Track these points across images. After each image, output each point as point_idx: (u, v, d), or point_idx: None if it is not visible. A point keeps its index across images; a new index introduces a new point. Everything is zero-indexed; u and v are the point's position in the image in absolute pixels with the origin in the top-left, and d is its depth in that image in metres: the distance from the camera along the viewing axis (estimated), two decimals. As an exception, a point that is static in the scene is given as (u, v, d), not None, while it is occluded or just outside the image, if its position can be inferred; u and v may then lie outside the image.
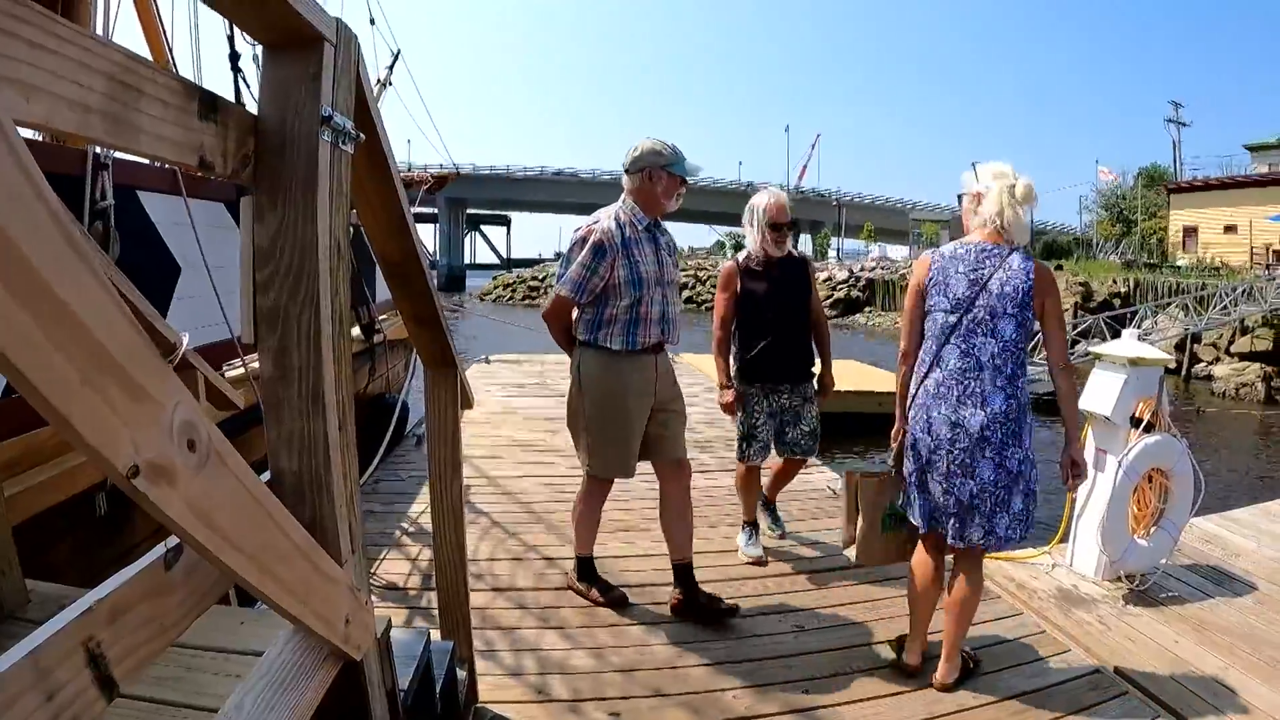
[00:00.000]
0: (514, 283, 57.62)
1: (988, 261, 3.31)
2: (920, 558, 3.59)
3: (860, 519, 3.70)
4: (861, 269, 51.63)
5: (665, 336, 4.02)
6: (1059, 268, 42.15)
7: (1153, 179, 58.30)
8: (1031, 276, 3.26)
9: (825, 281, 49.17)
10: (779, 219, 4.81)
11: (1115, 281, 35.23)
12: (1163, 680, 3.75)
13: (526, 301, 53.31)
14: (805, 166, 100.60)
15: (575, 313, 4.00)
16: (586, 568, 4.23)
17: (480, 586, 4.15)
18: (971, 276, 3.32)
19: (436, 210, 77.93)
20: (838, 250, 77.56)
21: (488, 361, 12.73)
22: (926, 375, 3.43)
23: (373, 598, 1.78)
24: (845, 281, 49.02)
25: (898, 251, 74.32)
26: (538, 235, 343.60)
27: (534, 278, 57.25)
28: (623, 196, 4.01)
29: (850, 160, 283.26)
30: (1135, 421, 4.75)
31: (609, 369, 3.91)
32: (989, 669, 3.63)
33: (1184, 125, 60.47)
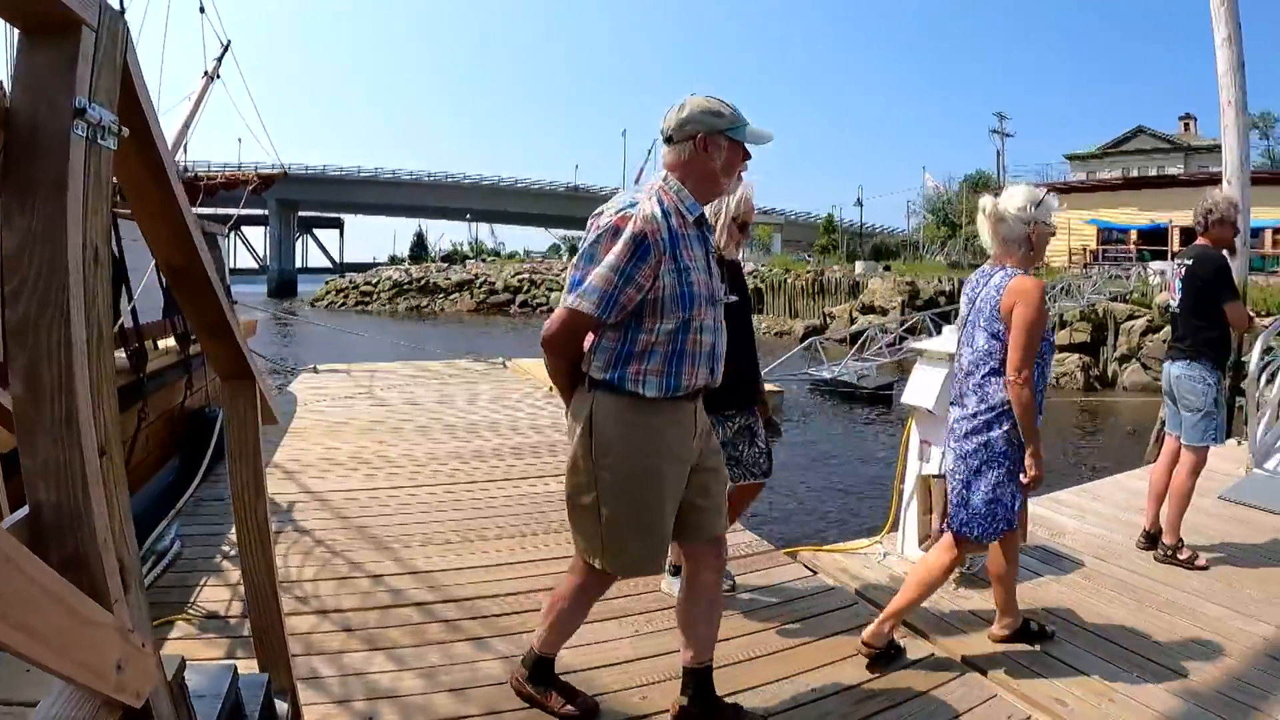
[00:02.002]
0: (346, 288, 55.90)
1: (980, 281, 3.74)
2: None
3: (935, 514, 4.32)
4: (696, 270, 52.71)
5: (713, 379, 2.99)
6: (887, 268, 43.84)
7: (977, 185, 61.57)
8: (1001, 291, 3.55)
9: (660, 283, 50.07)
10: (750, 218, 4.22)
11: (941, 281, 37.35)
12: (997, 658, 3.86)
13: (359, 307, 52.00)
14: (642, 171, 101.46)
15: (589, 338, 2.86)
16: (545, 669, 3.23)
17: (305, 610, 3.93)
18: (970, 294, 3.79)
19: (267, 212, 75.75)
20: (674, 253, 78.72)
21: (316, 371, 12.30)
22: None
23: (190, 629, 1.63)
24: (678, 283, 49.85)
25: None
26: (371, 238, 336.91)
27: (367, 282, 55.71)
28: (662, 174, 2.91)
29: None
30: None
31: (639, 425, 2.83)
32: (827, 661, 3.64)
33: (1008, 136, 64.88)
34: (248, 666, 2.40)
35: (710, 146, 2.83)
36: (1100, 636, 4.14)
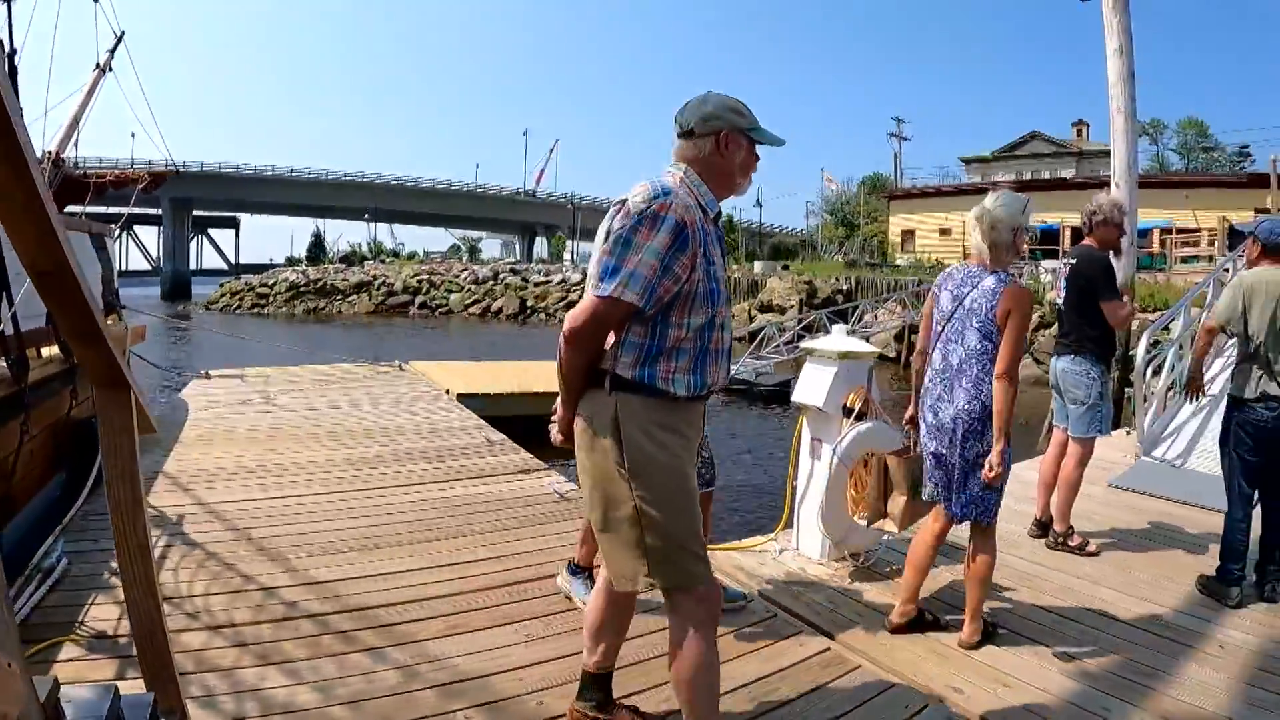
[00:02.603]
0: (242, 290, 53.91)
1: (969, 282, 4.04)
2: (926, 525, 4.27)
3: (896, 492, 4.41)
4: (596, 270, 52.73)
5: (727, 378, 2.93)
6: (785, 268, 44.42)
7: (875, 186, 63.07)
8: (998, 295, 3.89)
9: (560, 284, 49.90)
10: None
11: (838, 279, 38.32)
12: (892, 648, 3.95)
13: (255, 310, 50.42)
14: (543, 170, 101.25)
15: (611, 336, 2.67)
16: (601, 684, 3.12)
17: (196, 626, 3.78)
18: (955, 293, 4.08)
19: (160, 212, 73.36)
20: (572, 253, 78.33)
21: (208, 377, 11.85)
22: (927, 371, 4.20)
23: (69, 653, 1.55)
24: (580, 284, 49.52)
25: (633, 252, 76.16)
26: (268, 239, 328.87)
27: (263, 284, 53.93)
28: (681, 168, 2.77)
29: (588, 164, 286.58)
30: (847, 411, 4.92)
31: (668, 426, 2.67)
32: (725, 659, 3.55)
33: (905, 139, 66.45)
34: (137, 687, 2.31)
35: (731, 144, 2.76)
36: (995, 624, 4.23)
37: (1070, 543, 5.54)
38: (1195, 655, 4.14)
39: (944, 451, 4.01)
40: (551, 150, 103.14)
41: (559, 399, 2.81)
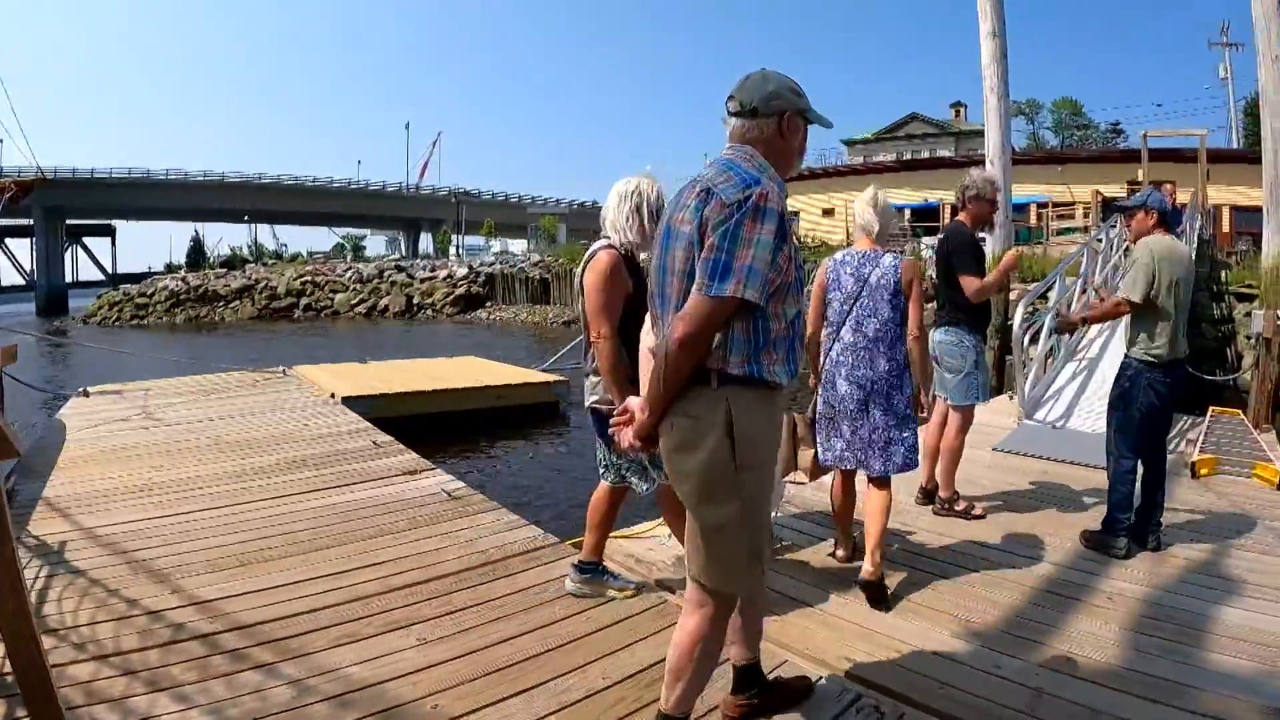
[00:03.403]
0: (121, 301, 51.16)
1: (868, 263, 4.61)
2: (838, 486, 4.87)
3: (803, 447, 4.85)
4: (481, 264, 52.12)
5: None
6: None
7: (759, 170, 63.55)
8: (899, 269, 4.57)
9: (446, 279, 49.33)
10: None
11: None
12: (788, 624, 4.03)
13: (135, 321, 47.99)
14: (426, 164, 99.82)
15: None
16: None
17: (83, 657, 3.62)
18: (857, 274, 4.61)
19: (32, 222, 70.10)
20: (458, 247, 77.48)
21: (87, 395, 11.41)
22: (831, 348, 4.64)
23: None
24: (465, 278, 49.20)
25: (518, 245, 75.62)
26: (146, 246, 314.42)
27: (142, 294, 51.17)
28: (747, 150, 2.66)
29: (471, 157, 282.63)
30: None
31: (770, 416, 2.67)
32: (616, 646, 3.67)
33: None
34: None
35: (792, 125, 2.70)
36: (886, 589, 4.35)
37: (956, 508, 5.75)
38: (1084, 608, 4.31)
39: (866, 413, 4.53)
40: (434, 143, 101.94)
41: (641, 403, 2.68)
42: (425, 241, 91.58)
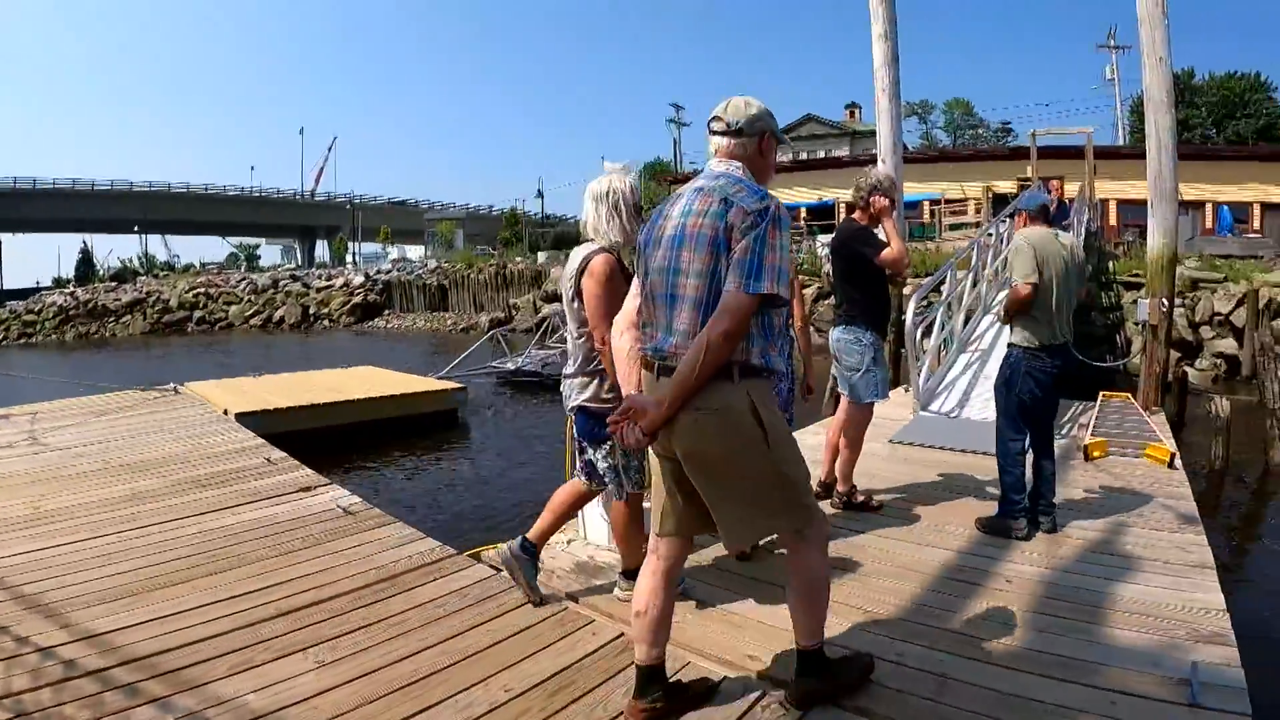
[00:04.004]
0: (7, 319, 48.06)
1: None
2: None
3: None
4: (378, 272, 51.33)
5: None
6: (569, 256, 44.52)
7: (656, 172, 63.90)
8: None
9: (343, 288, 48.47)
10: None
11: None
12: (688, 625, 4.01)
13: (23, 340, 45.20)
14: (321, 170, 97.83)
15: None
16: (823, 662, 3.32)
17: None
18: None
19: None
20: (354, 255, 76.17)
21: (-35, 420, 10.95)
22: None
23: None
24: (362, 286, 48.41)
25: (415, 252, 74.72)
26: (32, 260, 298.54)
27: (29, 310, 48.32)
28: (728, 166, 3.01)
29: (367, 162, 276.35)
30: None
31: (774, 397, 3.05)
32: (518, 657, 3.65)
33: (685, 125, 68.08)
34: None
35: (769, 145, 3.12)
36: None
37: (855, 500, 5.83)
38: (985, 592, 4.40)
39: None
40: (330, 148, 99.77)
41: (656, 398, 2.86)
42: (321, 249, 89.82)
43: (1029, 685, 3.44)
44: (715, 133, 3.07)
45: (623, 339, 3.20)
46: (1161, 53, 10.64)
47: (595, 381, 4.07)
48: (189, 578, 4.72)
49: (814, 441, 6.70)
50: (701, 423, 2.79)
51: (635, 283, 3.21)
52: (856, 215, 5.81)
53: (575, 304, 4.07)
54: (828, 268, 29.37)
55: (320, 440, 10.29)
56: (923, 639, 3.86)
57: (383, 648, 3.77)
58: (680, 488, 3.06)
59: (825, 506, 5.79)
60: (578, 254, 4.11)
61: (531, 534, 4.33)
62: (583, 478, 4.28)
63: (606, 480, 4.17)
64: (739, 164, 3.01)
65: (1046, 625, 4.00)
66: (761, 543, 4.78)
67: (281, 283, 51.22)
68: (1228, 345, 21.84)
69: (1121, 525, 5.43)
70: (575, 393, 4.15)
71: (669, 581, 3.18)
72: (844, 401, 6.00)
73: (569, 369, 4.20)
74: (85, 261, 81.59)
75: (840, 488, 5.91)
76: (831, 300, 5.79)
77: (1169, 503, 5.95)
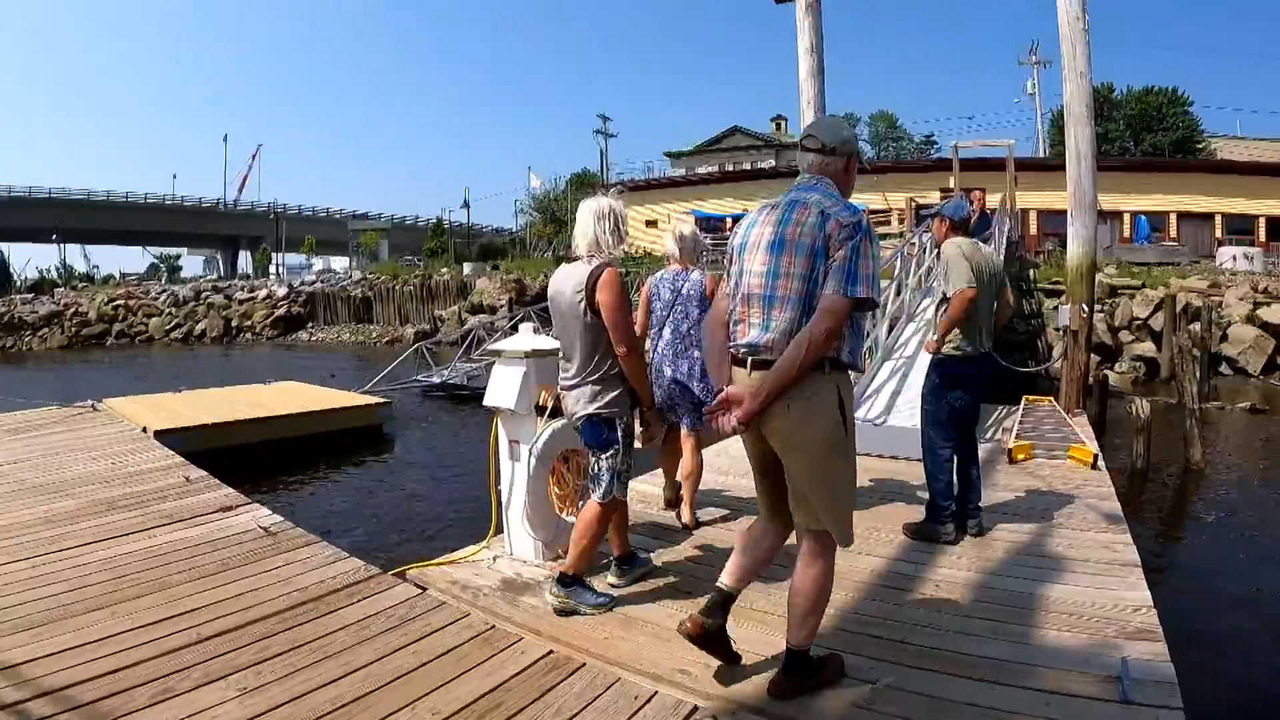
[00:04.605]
0: None
1: (681, 278, 5.73)
2: (670, 444, 6.03)
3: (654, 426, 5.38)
4: (302, 284, 50.42)
5: None
6: (495, 267, 44.47)
7: (583, 183, 63.83)
8: (704, 283, 5.69)
9: (266, 299, 47.57)
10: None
11: (547, 276, 38.34)
12: (614, 640, 3.99)
13: None
14: (245, 178, 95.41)
15: None
16: (806, 662, 3.49)
17: None
18: (674, 287, 5.72)
19: None
20: (278, 266, 74.75)
21: None
22: (656, 346, 5.69)
23: None
24: (286, 298, 47.51)
25: (340, 263, 73.66)
26: None
27: None
28: (823, 182, 3.31)
29: (292, 171, 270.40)
30: (540, 409, 4.92)
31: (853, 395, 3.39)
32: (445, 679, 3.57)
33: (611, 136, 68.29)
34: None
35: (853, 165, 3.39)
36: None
37: None
38: (915, 597, 4.46)
39: (689, 390, 5.57)
40: (254, 156, 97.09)
41: (754, 389, 3.12)
42: (244, 260, 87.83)
43: (962, 689, 3.48)
44: (809, 150, 3.36)
45: (713, 335, 3.46)
46: (1082, 67, 10.98)
47: (605, 389, 4.29)
48: (107, 604, 4.54)
49: (736, 449, 6.72)
50: (793, 410, 3.10)
51: (725, 284, 3.50)
52: None
53: (587, 317, 4.21)
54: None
55: (242, 458, 10.05)
56: (854, 647, 3.87)
57: (307, 673, 3.66)
58: (765, 476, 3.45)
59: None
60: (578, 269, 4.28)
61: (568, 567, 4.42)
62: (597, 491, 4.42)
63: (603, 482, 4.36)
64: (829, 180, 3.31)
65: (977, 628, 4.06)
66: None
67: (203, 294, 50.03)
68: (1146, 348, 22.64)
69: (1048, 526, 5.56)
70: (584, 402, 4.32)
71: (770, 556, 3.64)
72: None
73: (571, 379, 4.37)
74: (1, 272, 78.88)
75: None
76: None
77: (1093, 503, 6.11)
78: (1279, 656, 5.63)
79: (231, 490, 6.96)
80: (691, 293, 5.63)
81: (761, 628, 4.10)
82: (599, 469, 4.38)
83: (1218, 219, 40.27)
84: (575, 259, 4.38)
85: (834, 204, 3.16)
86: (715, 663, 3.68)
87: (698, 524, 5.76)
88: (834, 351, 3.11)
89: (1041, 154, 51.07)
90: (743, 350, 3.26)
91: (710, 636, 3.51)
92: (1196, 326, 20.75)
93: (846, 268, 3.04)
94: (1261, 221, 39.68)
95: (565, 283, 4.33)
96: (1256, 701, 4.99)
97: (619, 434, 4.35)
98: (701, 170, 59.82)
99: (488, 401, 5.09)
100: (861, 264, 3.05)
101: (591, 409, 4.30)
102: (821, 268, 3.09)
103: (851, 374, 3.30)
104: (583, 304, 4.20)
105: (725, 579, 3.57)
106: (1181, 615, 5.47)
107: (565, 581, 4.37)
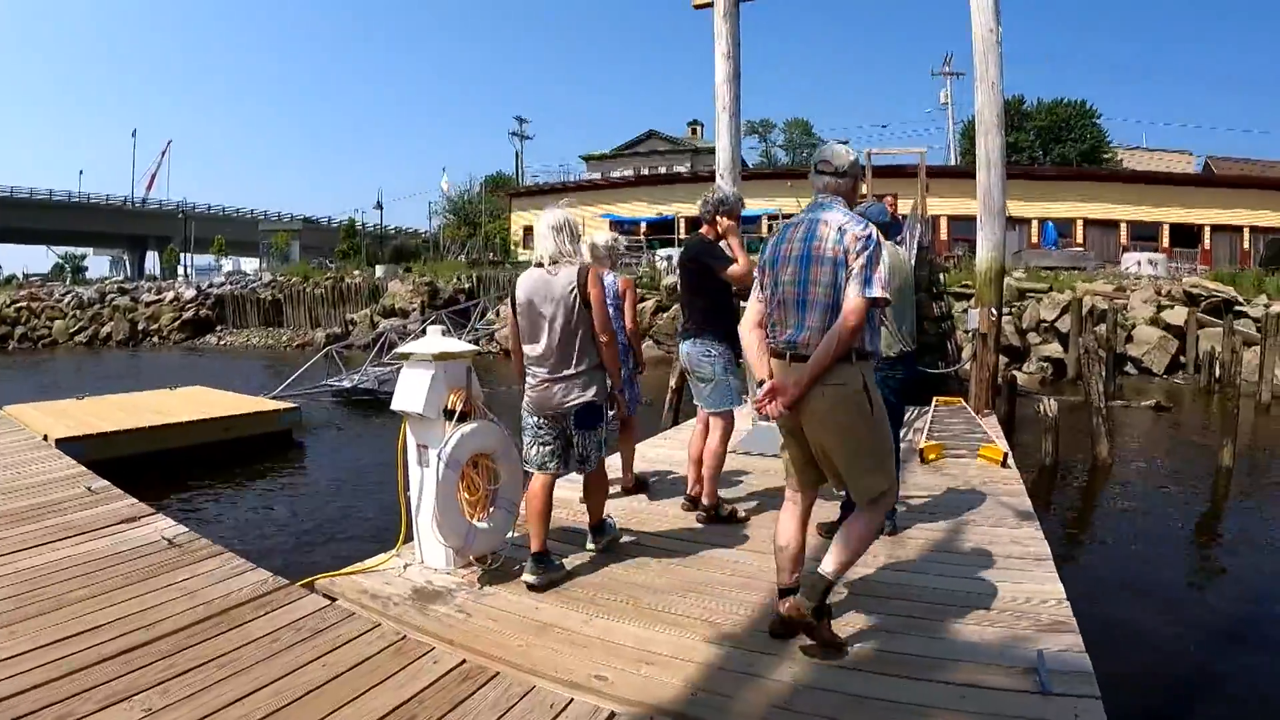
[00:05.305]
0: None
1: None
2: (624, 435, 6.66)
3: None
4: (210, 285, 49.07)
5: None
6: (408, 270, 43.92)
7: (497, 185, 63.32)
8: (617, 285, 6.29)
9: (174, 302, 46.23)
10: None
11: (460, 279, 38.29)
12: (528, 647, 3.91)
13: None
14: (154, 176, 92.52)
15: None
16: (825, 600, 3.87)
17: None
18: (609, 285, 6.07)
19: None
20: (187, 267, 72.76)
21: None
22: None
23: None
24: (194, 300, 46.24)
25: (250, 264, 72.03)
26: None
27: None
28: (838, 200, 3.87)
29: (202, 169, 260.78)
30: (449, 413, 4.85)
31: (874, 376, 3.83)
32: (356, 692, 3.47)
33: (527, 138, 68.13)
34: None
35: (858, 184, 3.96)
36: (637, 604, 4.36)
37: (722, 514, 5.84)
38: (832, 596, 4.41)
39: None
40: (163, 153, 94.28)
41: (797, 378, 3.65)
42: (152, 261, 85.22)
43: (881, 686, 3.50)
44: (823, 173, 3.88)
45: (751, 336, 3.98)
46: (994, 78, 11.24)
47: (593, 379, 4.81)
48: (5, 623, 4.27)
49: (653, 455, 6.99)
50: (827, 394, 3.63)
51: (757, 291, 4.00)
52: (704, 230, 5.91)
53: (577, 312, 4.71)
54: (669, 280, 30.04)
55: (147, 467, 9.79)
56: (771, 647, 3.87)
57: (215, 690, 3.51)
58: (801, 452, 3.92)
59: (690, 520, 5.89)
60: (563, 271, 4.76)
61: (592, 520, 5.34)
62: (590, 467, 5.01)
63: (594, 456, 4.95)
64: (841, 199, 3.85)
65: (894, 625, 4.09)
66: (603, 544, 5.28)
67: (109, 296, 48.42)
68: (1053, 350, 23.37)
69: (960, 524, 5.65)
70: (578, 391, 4.78)
71: (804, 522, 4.05)
72: (701, 413, 6.05)
73: (557, 374, 4.79)
74: (-101, 274, 75.05)
75: (705, 500, 5.90)
76: (671, 313, 6.33)
77: (1004, 500, 6.24)
78: (1186, 640, 5.87)
79: (135, 500, 6.65)
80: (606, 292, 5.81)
81: (674, 630, 4.09)
82: (587, 447, 4.90)
83: (1123, 226, 41.91)
84: (540, 266, 4.84)
85: (849, 220, 3.68)
86: (632, 668, 3.66)
87: (642, 486, 6.79)
88: (859, 343, 3.63)
89: (953, 162, 52.23)
90: (782, 346, 3.79)
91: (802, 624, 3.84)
92: (1102, 328, 21.46)
93: (864, 274, 3.56)
94: (1165, 228, 41.51)
95: (553, 283, 4.75)
96: (1168, 684, 5.20)
97: (604, 414, 4.92)
98: (617, 173, 59.87)
99: (395, 406, 4.97)
100: (875, 270, 3.57)
101: (587, 397, 4.79)
102: (843, 275, 3.60)
103: (873, 358, 3.82)
104: (576, 298, 4.69)
105: (790, 578, 3.99)
106: (1094, 606, 5.63)
107: (539, 559, 4.75)
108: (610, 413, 5.04)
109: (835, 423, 3.68)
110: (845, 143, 4.45)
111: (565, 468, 4.98)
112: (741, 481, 7.05)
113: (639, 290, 28.48)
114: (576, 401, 4.78)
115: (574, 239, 4.88)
